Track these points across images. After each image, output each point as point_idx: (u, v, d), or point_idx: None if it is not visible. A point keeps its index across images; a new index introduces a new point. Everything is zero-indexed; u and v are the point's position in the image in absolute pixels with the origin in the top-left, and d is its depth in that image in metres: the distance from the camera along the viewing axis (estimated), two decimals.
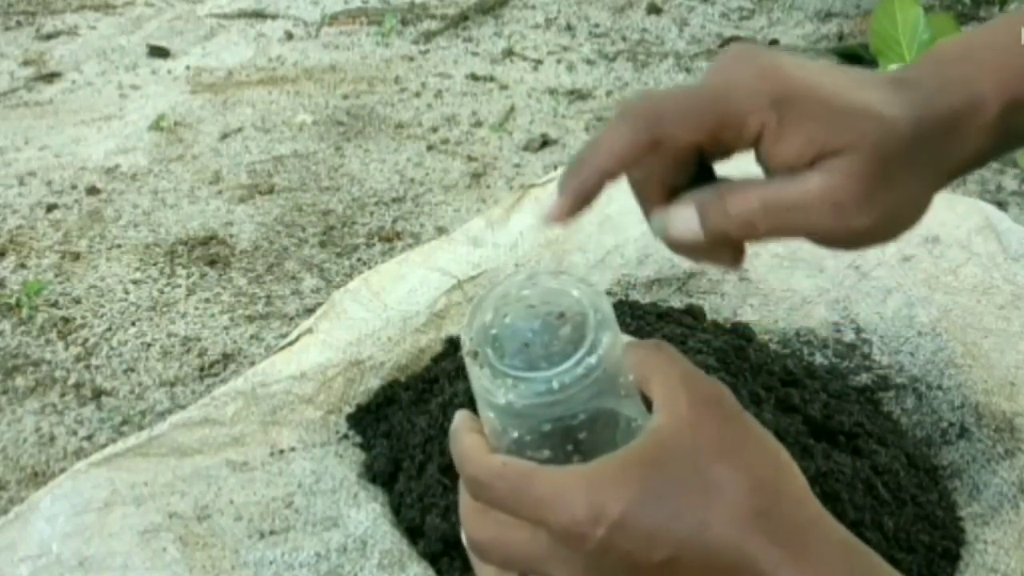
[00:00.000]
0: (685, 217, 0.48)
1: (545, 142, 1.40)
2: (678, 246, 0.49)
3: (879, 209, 0.44)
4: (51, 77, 1.69)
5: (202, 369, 0.94)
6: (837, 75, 0.46)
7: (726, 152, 0.47)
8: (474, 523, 0.42)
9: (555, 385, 0.41)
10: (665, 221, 0.49)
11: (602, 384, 0.41)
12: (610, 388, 0.42)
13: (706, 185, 0.48)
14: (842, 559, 0.38)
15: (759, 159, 0.47)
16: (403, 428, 0.75)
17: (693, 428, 0.39)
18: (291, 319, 1.00)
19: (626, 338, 0.44)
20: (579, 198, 0.46)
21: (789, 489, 0.39)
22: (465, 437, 0.42)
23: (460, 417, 0.44)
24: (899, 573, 0.39)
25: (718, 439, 0.39)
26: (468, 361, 0.43)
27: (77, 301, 1.04)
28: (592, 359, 0.41)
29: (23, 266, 1.11)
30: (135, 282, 1.08)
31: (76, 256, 1.13)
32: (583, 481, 0.38)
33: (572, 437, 0.42)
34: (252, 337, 0.98)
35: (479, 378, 0.42)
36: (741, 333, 0.86)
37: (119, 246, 1.15)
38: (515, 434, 0.42)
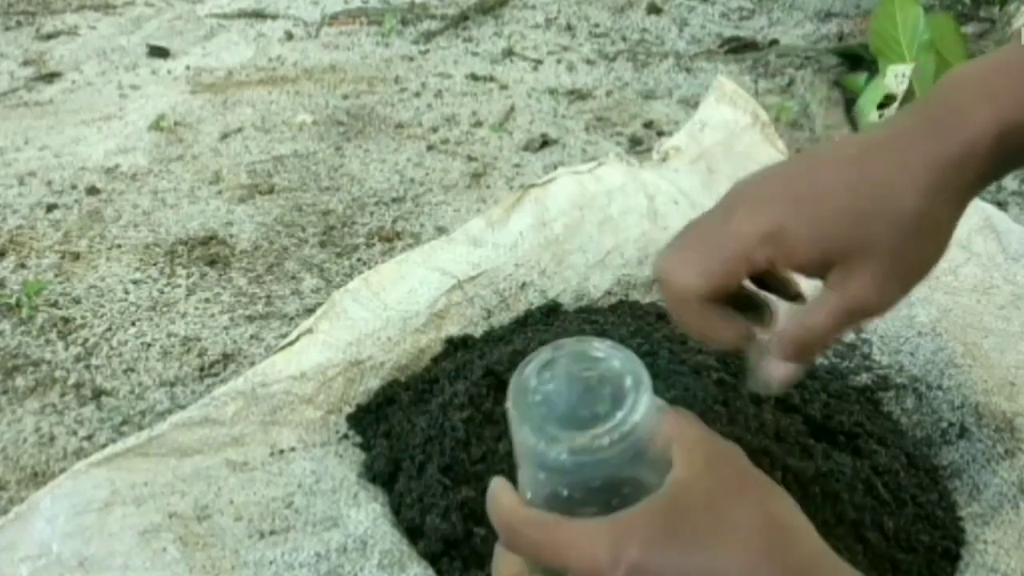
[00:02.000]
0: (782, 369, 0.52)
1: (545, 142, 1.40)
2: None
3: (905, 282, 0.49)
4: (51, 77, 1.69)
5: (202, 369, 0.94)
6: (826, 178, 0.49)
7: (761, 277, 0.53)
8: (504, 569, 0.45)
9: (604, 441, 0.42)
10: (770, 379, 0.53)
11: (639, 446, 0.43)
12: (645, 451, 0.44)
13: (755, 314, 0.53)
14: None
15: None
16: (403, 428, 0.75)
17: (707, 478, 0.42)
18: (291, 319, 1.00)
19: (657, 401, 0.46)
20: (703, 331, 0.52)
21: (798, 526, 0.42)
22: (501, 495, 0.45)
23: (496, 481, 0.46)
24: None
25: (730, 486, 0.42)
26: (514, 424, 0.45)
27: (77, 301, 1.04)
28: (636, 417, 0.43)
29: (23, 266, 1.11)
30: (135, 282, 1.08)
31: (76, 256, 1.13)
32: (605, 528, 0.40)
33: (604, 499, 0.44)
34: (252, 337, 0.98)
35: (526, 438, 0.44)
36: None
37: (119, 246, 1.15)
38: (558, 490, 0.44)
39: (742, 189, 0.54)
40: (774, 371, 0.52)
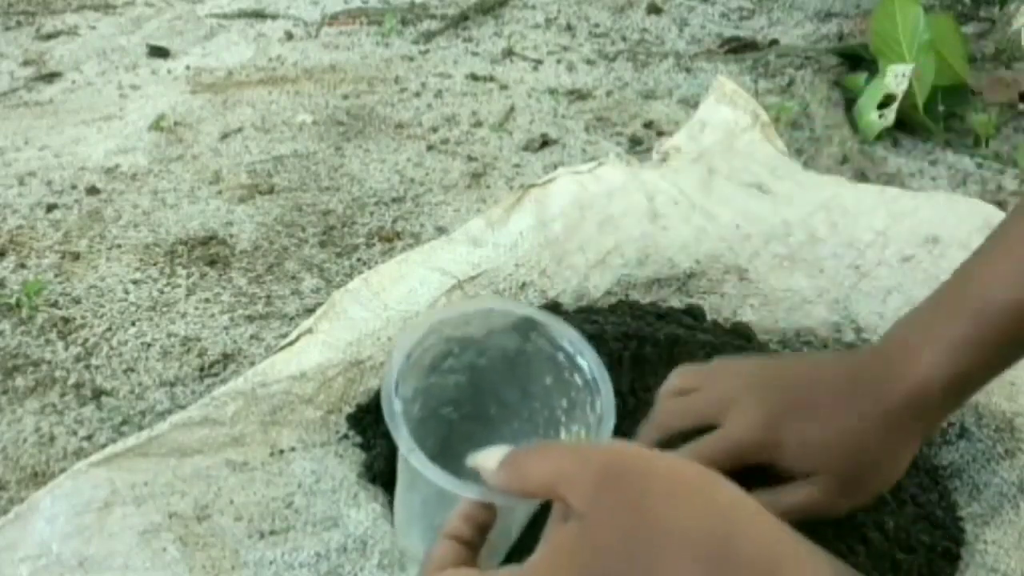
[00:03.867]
0: None
1: (545, 142, 1.40)
2: None
3: (855, 499, 0.58)
4: (51, 77, 1.69)
5: (202, 369, 0.94)
6: (802, 400, 0.58)
7: None
8: None
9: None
10: None
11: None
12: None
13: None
14: None
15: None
16: None
17: (607, 503, 0.38)
18: (291, 319, 1.00)
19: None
20: None
21: (742, 536, 0.38)
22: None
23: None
24: None
25: (638, 508, 0.38)
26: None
27: (77, 301, 1.04)
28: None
29: (23, 266, 1.11)
30: (135, 282, 1.08)
31: (76, 256, 1.13)
32: None
33: None
34: (252, 337, 0.98)
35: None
36: (741, 333, 0.86)
37: (119, 246, 1.15)
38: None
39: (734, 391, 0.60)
40: None
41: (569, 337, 0.55)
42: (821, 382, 0.59)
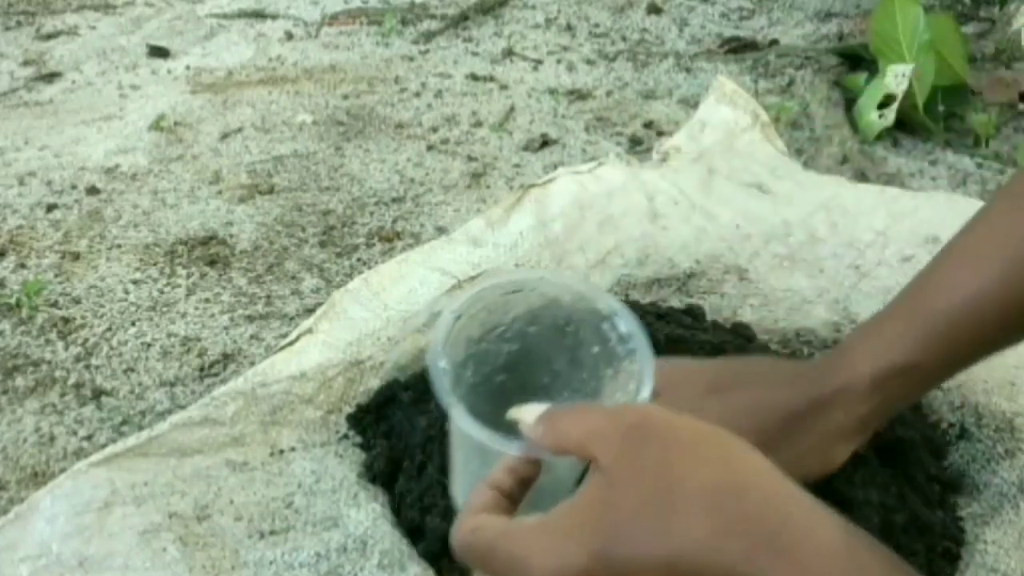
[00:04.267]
0: None
1: (545, 142, 1.40)
2: None
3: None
4: (51, 77, 1.69)
5: (202, 369, 0.94)
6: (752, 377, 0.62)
7: None
8: None
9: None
10: None
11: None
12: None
13: None
14: (828, 559, 0.38)
15: None
16: (403, 428, 0.75)
17: (631, 459, 0.40)
18: (291, 319, 1.00)
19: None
20: None
21: (754, 491, 0.40)
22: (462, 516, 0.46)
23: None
24: (899, 560, 0.38)
25: (660, 465, 0.40)
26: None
27: (77, 301, 1.04)
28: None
29: (23, 266, 1.11)
30: (135, 282, 1.08)
31: (76, 256, 1.13)
32: (545, 539, 0.40)
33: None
34: (252, 337, 0.98)
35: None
36: (741, 333, 0.86)
37: (119, 246, 1.15)
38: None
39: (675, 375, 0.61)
40: None
41: (614, 308, 0.57)
42: (768, 374, 0.63)
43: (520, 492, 0.46)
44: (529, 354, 0.61)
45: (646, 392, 0.51)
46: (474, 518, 0.43)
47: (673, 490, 0.39)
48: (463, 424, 0.50)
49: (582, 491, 0.41)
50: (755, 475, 0.40)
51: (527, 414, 0.46)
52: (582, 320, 0.58)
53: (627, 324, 0.55)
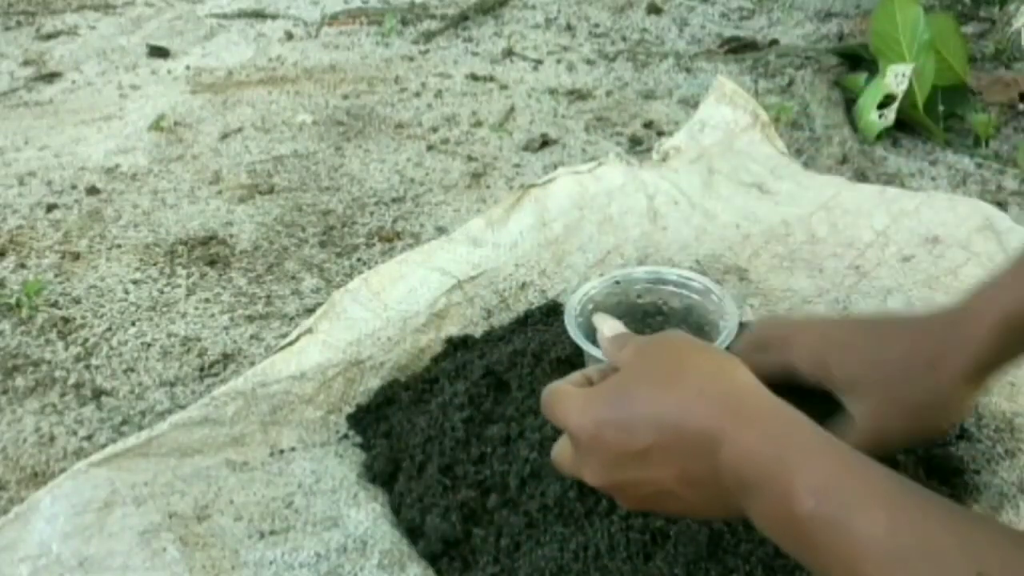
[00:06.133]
0: None
1: (545, 142, 1.40)
2: None
3: (906, 423, 0.61)
4: (51, 77, 1.69)
5: (202, 369, 0.94)
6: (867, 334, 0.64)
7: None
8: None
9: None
10: None
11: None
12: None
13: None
14: (776, 418, 0.48)
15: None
16: (403, 428, 0.75)
17: (652, 355, 0.53)
18: (291, 319, 1.00)
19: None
20: None
21: (739, 384, 0.50)
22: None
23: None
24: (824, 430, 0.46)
25: (672, 357, 0.52)
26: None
27: (77, 301, 1.04)
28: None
29: (23, 266, 1.11)
30: (135, 282, 1.08)
31: (76, 256, 1.13)
32: (583, 399, 0.53)
33: None
34: (252, 337, 0.98)
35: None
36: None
37: (119, 246, 1.15)
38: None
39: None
40: None
41: (717, 292, 0.74)
42: (894, 327, 0.64)
43: (600, 380, 0.56)
44: (667, 326, 0.77)
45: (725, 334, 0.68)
46: (559, 385, 0.55)
47: (670, 375, 0.50)
48: (570, 329, 0.69)
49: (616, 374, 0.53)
50: (743, 378, 0.50)
51: (603, 325, 0.58)
52: (699, 301, 0.75)
53: (727, 302, 0.72)
